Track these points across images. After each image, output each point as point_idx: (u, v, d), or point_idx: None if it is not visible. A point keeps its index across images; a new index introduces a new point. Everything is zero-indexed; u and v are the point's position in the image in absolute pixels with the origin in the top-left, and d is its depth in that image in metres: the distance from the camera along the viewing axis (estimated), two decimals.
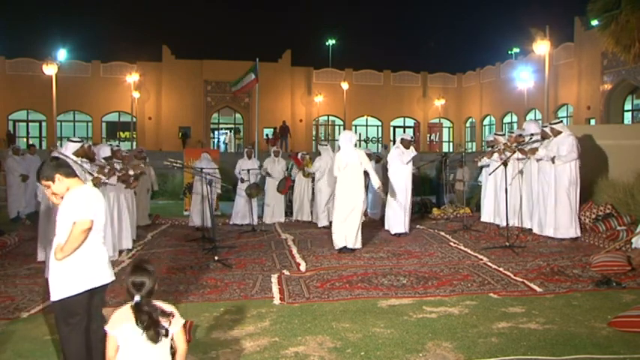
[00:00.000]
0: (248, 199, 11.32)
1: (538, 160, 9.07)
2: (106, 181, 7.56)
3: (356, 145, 8.83)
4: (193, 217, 11.46)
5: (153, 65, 36.91)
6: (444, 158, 13.56)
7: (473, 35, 75.02)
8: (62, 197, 3.65)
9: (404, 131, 41.24)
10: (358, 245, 8.32)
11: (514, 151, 9.43)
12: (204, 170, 9.11)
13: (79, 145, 7.20)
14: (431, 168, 16.45)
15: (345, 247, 8.24)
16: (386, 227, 10.11)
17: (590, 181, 9.84)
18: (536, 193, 9.25)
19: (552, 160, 8.69)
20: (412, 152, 10.11)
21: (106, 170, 7.53)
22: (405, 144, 10.13)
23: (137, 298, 3.02)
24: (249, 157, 12.04)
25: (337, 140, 9.46)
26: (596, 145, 10.53)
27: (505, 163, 8.80)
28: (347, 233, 8.23)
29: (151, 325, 2.97)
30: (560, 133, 8.84)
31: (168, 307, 3.11)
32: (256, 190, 11.31)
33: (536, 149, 9.03)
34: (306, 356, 4.20)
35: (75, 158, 7.00)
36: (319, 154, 11.82)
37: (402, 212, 9.86)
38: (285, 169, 12.38)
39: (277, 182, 11.99)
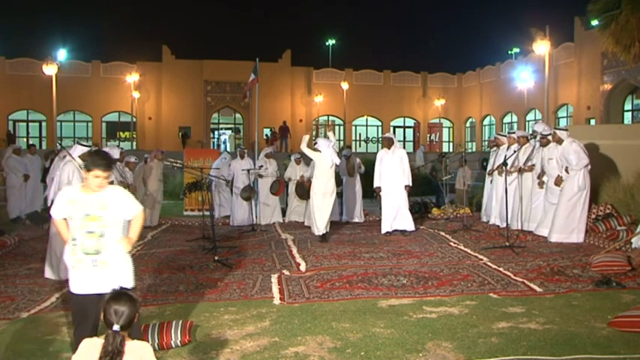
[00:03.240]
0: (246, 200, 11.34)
1: (558, 184, 8.88)
2: None
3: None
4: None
5: (153, 65, 36.91)
6: (444, 158, 13.57)
7: (473, 35, 75.26)
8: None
9: (404, 131, 41.40)
10: (327, 230, 9.53)
11: (531, 169, 9.51)
12: (204, 171, 9.14)
13: (86, 149, 7.13)
14: (428, 168, 16.46)
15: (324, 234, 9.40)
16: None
17: (591, 181, 9.82)
18: (542, 196, 9.23)
19: (566, 170, 8.68)
20: (392, 154, 10.07)
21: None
22: (385, 143, 10.33)
23: (116, 327, 2.73)
24: (242, 157, 12.00)
25: (317, 143, 9.95)
26: (596, 145, 10.53)
27: (505, 164, 8.82)
28: (324, 220, 9.39)
29: None
30: (561, 140, 8.85)
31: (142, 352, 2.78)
32: (250, 192, 11.29)
33: (561, 179, 8.78)
34: (306, 356, 4.20)
35: (80, 162, 7.01)
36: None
37: (398, 211, 9.91)
38: (276, 169, 12.27)
39: (270, 183, 11.92)
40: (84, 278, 3.72)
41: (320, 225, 9.40)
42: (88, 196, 3.73)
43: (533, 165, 9.52)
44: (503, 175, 9.08)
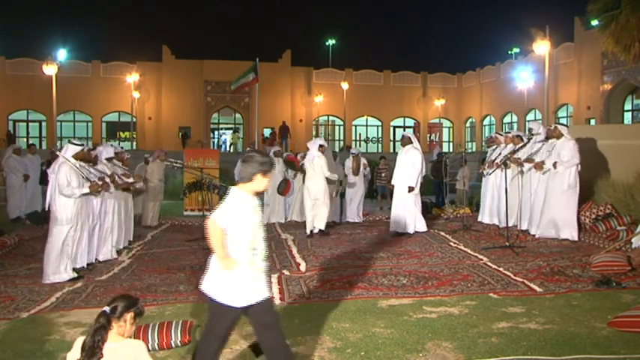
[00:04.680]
0: None
1: (544, 173, 8.96)
2: (105, 191, 7.50)
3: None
4: None
5: (153, 65, 36.91)
6: (444, 158, 13.57)
7: (473, 35, 75.25)
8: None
9: (404, 131, 41.33)
10: (323, 227, 9.92)
11: (520, 164, 9.44)
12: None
13: (79, 148, 7.05)
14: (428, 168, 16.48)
15: (312, 232, 9.83)
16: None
17: (590, 181, 9.83)
18: (534, 194, 9.26)
19: (554, 165, 8.69)
20: (405, 154, 9.94)
21: (107, 180, 7.42)
22: (402, 142, 10.30)
23: (106, 308, 2.85)
24: None
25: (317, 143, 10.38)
26: (596, 145, 10.54)
27: (505, 164, 8.82)
28: (315, 217, 9.85)
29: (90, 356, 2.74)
30: (561, 135, 8.87)
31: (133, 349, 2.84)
32: None
33: (542, 163, 8.91)
34: (306, 356, 4.19)
35: (74, 161, 6.93)
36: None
37: (401, 212, 9.84)
38: (284, 169, 12.25)
39: (277, 183, 11.86)
40: (258, 287, 3.47)
41: (310, 225, 9.95)
42: (255, 200, 3.50)
43: (540, 162, 9.46)
44: (503, 173, 9.05)
